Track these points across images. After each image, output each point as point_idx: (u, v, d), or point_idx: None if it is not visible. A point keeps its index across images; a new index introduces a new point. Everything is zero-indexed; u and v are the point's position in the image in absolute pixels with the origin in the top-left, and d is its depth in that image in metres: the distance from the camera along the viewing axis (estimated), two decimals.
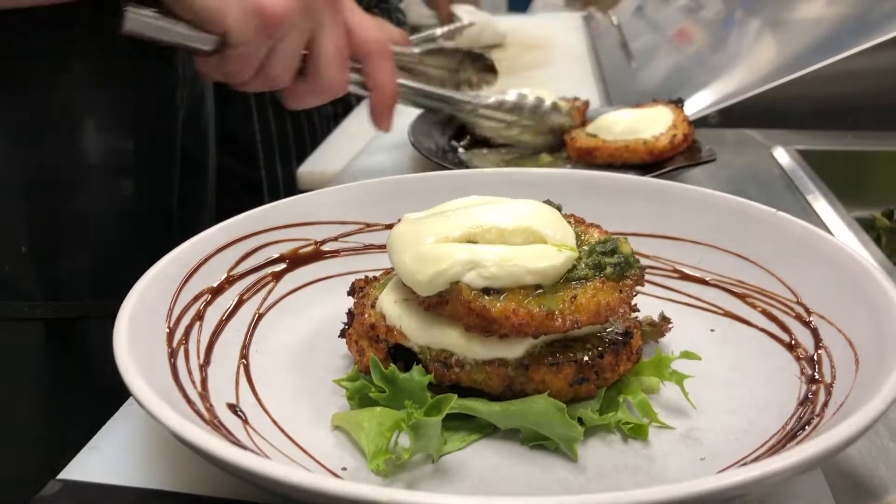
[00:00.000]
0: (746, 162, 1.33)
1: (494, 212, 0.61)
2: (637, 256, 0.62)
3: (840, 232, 1.02)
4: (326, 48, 0.87)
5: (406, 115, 1.25)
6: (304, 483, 0.42)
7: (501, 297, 0.56)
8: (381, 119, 0.99)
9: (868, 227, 1.21)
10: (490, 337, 0.57)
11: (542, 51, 2.67)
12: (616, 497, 0.41)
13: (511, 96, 1.23)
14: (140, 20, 0.78)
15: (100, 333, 0.89)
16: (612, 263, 0.59)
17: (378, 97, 0.97)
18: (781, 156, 1.34)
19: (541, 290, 0.56)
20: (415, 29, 2.56)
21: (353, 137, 1.76)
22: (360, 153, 1.43)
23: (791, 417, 0.56)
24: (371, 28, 0.94)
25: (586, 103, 1.29)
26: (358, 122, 1.95)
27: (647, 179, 0.88)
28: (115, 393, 0.85)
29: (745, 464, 0.52)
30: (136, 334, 0.58)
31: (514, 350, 0.57)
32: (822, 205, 1.12)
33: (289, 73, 0.87)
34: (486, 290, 0.56)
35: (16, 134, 0.83)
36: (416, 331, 0.59)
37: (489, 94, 1.25)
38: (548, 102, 1.22)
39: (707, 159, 1.10)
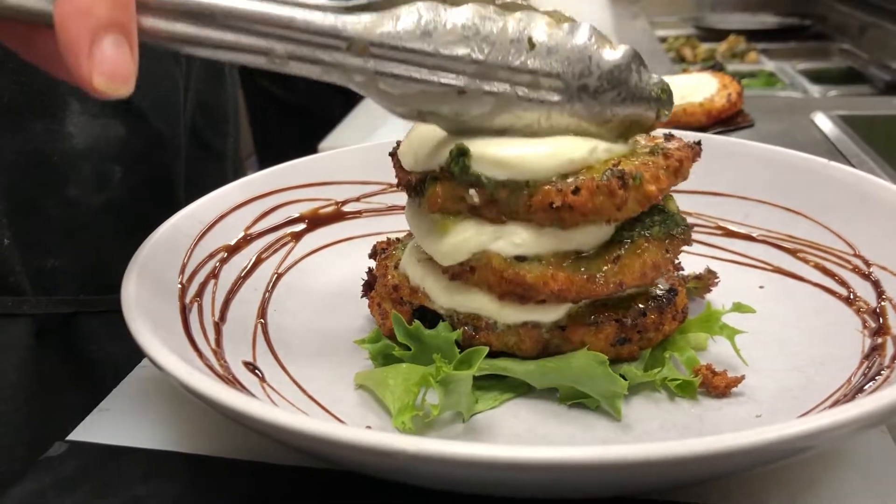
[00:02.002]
0: (786, 128, 1.27)
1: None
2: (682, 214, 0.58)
3: None
4: None
5: None
6: (322, 433, 0.38)
7: (536, 263, 0.51)
8: (78, 50, 0.41)
9: None
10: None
11: None
12: (668, 448, 0.36)
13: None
14: None
15: (93, 331, 0.83)
16: (658, 221, 0.54)
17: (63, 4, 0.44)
18: (822, 121, 1.28)
19: (580, 255, 0.51)
20: None
21: (374, 115, 1.72)
22: (381, 128, 1.39)
23: (856, 371, 0.51)
24: None
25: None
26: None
27: (687, 133, 0.82)
28: (103, 392, 0.81)
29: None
30: (146, 287, 0.55)
31: (550, 314, 0.52)
32: (869, 169, 1.06)
33: None
34: (520, 257, 0.51)
35: None
36: (442, 293, 0.55)
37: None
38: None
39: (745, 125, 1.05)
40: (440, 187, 0.52)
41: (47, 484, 0.49)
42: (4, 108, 0.76)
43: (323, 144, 1.61)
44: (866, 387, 0.48)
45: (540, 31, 0.48)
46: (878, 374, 0.49)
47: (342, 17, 0.45)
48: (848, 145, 1.14)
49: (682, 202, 0.73)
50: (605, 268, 0.51)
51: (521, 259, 0.51)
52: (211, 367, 0.51)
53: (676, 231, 0.54)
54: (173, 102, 0.91)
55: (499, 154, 0.50)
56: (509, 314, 0.53)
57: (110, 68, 0.41)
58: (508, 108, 0.49)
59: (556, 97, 0.49)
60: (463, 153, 0.50)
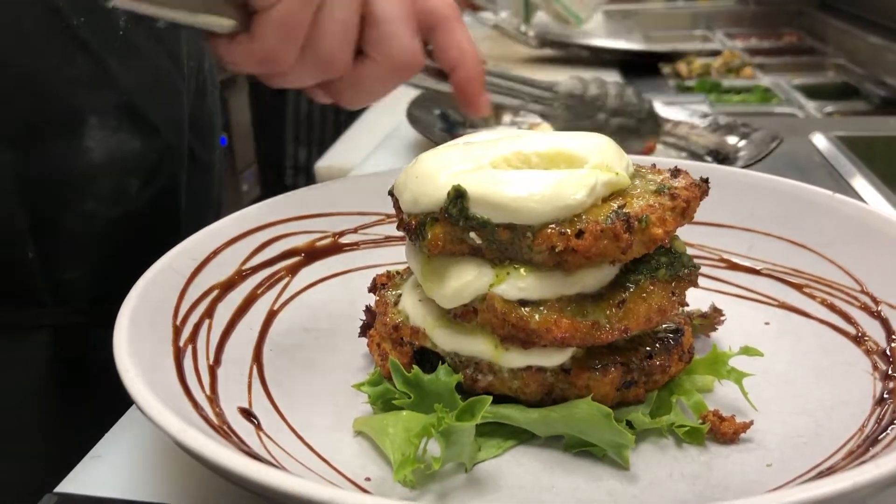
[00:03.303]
0: (784, 150, 1.26)
1: (526, 140, 0.55)
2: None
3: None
4: (389, 9, 0.66)
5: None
6: (326, 499, 0.36)
7: (540, 308, 0.49)
8: (473, 98, 0.74)
9: None
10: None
11: None
12: None
13: (592, 82, 1.05)
14: None
15: (107, 341, 0.86)
16: (665, 263, 0.52)
17: (463, 72, 0.73)
18: (820, 142, 1.27)
19: (584, 297, 0.50)
20: None
21: (372, 132, 1.71)
22: (378, 148, 1.38)
23: (868, 418, 0.50)
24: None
25: None
26: (375, 116, 1.90)
27: (691, 163, 0.81)
28: (116, 403, 0.80)
29: (821, 472, 0.46)
30: (139, 332, 0.53)
31: (554, 358, 0.51)
32: (869, 192, 1.05)
33: (346, 47, 0.65)
34: (523, 301, 0.50)
35: (20, 136, 0.79)
36: (443, 335, 0.54)
37: (564, 81, 1.02)
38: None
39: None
40: (440, 230, 0.50)
41: None
42: (26, 128, 0.78)
43: (319, 164, 1.60)
44: (881, 437, 0.47)
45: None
46: (893, 422, 0.47)
47: None
48: (847, 168, 1.14)
49: (685, 233, 0.72)
50: (610, 312, 0.49)
51: (523, 303, 0.50)
52: (206, 418, 0.49)
53: (683, 273, 0.53)
54: (179, 115, 0.94)
55: (497, 197, 0.49)
56: (512, 358, 0.51)
57: (487, 103, 0.78)
58: None
59: None
60: (461, 195, 0.49)
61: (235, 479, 0.40)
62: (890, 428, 0.47)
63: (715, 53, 2.99)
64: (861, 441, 0.48)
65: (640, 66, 2.07)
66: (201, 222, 1.01)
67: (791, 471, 0.47)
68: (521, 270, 0.50)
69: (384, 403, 0.55)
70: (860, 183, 1.08)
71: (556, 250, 0.47)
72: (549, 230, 0.47)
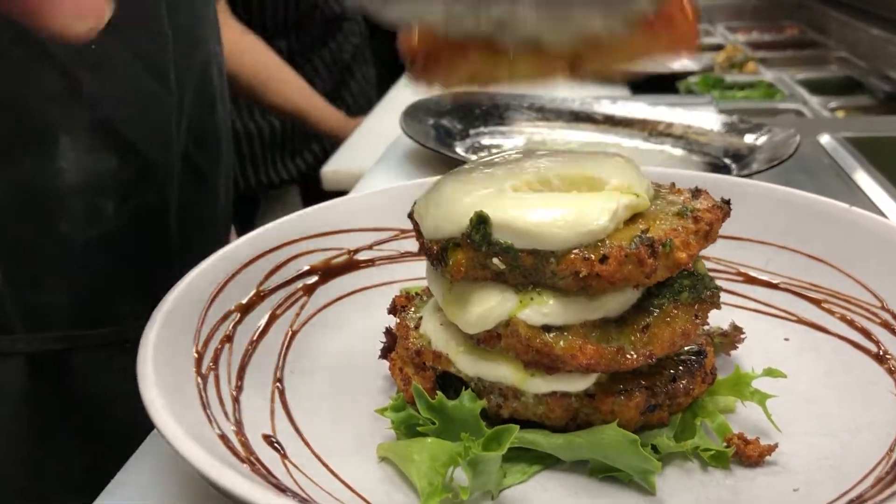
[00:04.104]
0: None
1: (546, 161, 0.54)
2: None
3: None
4: None
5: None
6: None
7: (565, 333, 0.49)
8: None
9: None
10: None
11: None
12: None
13: None
14: None
15: (86, 366, 0.82)
16: (687, 286, 0.52)
17: None
18: (828, 143, 1.27)
19: (608, 321, 0.50)
20: None
21: (377, 136, 1.71)
22: (385, 154, 1.38)
23: (895, 441, 0.50)
24: None
25: None
26: (377, 120, 1.90)
27: (707, 175, 0.81)
28: (103, 429, 0.79)
29: (850, 500, 0.46)
30: (163, 362, 0.53)
31: (578, 383, 0.51)
32: (879, 195, 1.05)
33: None
34: (546, 327, 0.50)
35: None
36: (466, 360, 0.54)
37: None
38: None
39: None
40: (462, 256, 0.50)
41: None
42: None
43: (326, 169, 1.60)
44: None
45: None
46: None
47: None
48: (856, 170, 1.14)
49: None
50: (634, 338, 0.50)
51: (547, 328, 0.50)
52: (233, 450, 0.49)
53: (705, 295, 0.53)
54: (165, 131, 0.90)
55: (519, 223, 0.48)
56: (537, 384, 0.52)
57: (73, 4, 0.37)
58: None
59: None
60: (483, 221, 0.49)
61: None
62: None
63: (717, 48, 2.98)
64: (890, 467, 0.48)
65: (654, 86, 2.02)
66: (203, 239, 0.99)
67: (819, 496, 0.48)
68: (545, 296, 0.50)
69: (408, 429, 0.55)
70: (869, 185, 1.08)
71: (581, 275, 0.47)
72: (573, 255, 0.47)
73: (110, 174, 0.81)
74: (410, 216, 0.57)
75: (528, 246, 0.48)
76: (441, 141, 1.23)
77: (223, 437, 0.50)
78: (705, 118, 1.24)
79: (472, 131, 1.30)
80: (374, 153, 1.46)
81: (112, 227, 0.81)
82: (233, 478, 0.41)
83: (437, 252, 0.52)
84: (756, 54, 2.76)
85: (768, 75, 2.53)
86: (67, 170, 0.79)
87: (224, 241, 0.99)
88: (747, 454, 0.52)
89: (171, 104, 0.90)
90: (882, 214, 1.00)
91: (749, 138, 1.14)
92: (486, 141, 1.28)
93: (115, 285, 0.81)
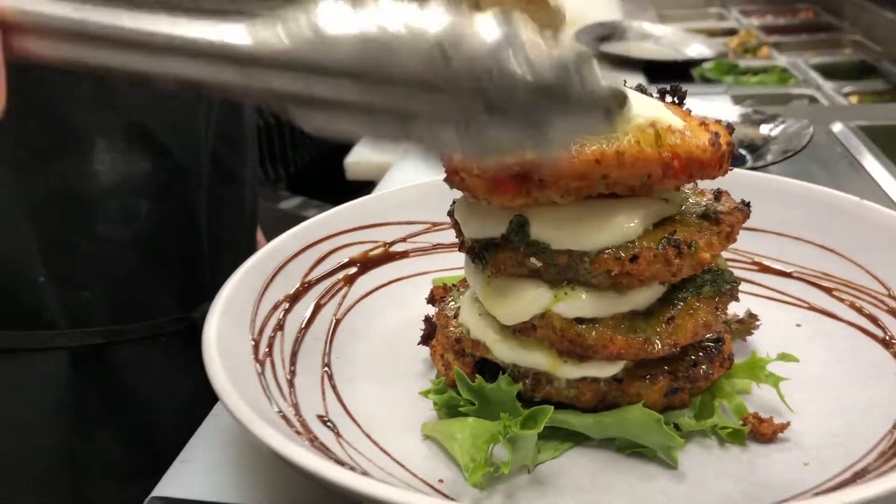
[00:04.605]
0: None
1: None
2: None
3: None
4: None
5: None
6: None
7: (596, 325, 0.54)
8: None
9: None
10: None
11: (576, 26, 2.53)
12: None
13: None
14: None
15: (125, 359, 0.86)
16: (709, 280, 0.57)
17: None
18: (841, 132, 1.30)
19: (635, 314, 0.55)
20: None
21: None
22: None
23: None
24: None
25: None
26: None
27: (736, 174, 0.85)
28: (141, 419, 0.83)
29: (856, 472, 0.50)
30: (225, 350, 0.58)
31: (608, 369, 0.56)
32: (889, 182, 1.08)
33: None
34: (579, 319, 0.54)
35: (24, 159, 0.79)
36: (503, 348, 0.58)
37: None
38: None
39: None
40: (502, 255, 0.55)
41: None
42: (33, 150, 0.78)
43: (349, 160, 1.64)
44: None
45: (459, 38, 0.37)
46: None
47: (230, 28, 0.38)
48: (868, 159, 1.17)
49: None
50: (660, 329, 0.54)
51: (580, 321, 0.54)
52: (296, 430, 0.54)
53: (725, 288, 0.58)
54: (195, 134, 0.94)
55: (556, 226, 0.53)
56: (569, 370, 0.56)
57: None
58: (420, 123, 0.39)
59: (464, 115, 0.38)
60: (522, 224, 0.54)
61: (340, 490, 0.45)
62: None
63: (730, 32, 2.99)
64: (892, 442, 0.52)
65: (668, 72, 2.04)
66: (232, 236, 1.03)
67: (828, 470, 0.52)
68: (578, 291, 0.54)
69: (449, 410, 0.60)
70: (881, 174, 1.11)
71: (612, 273, 0.52)
72: (606, 255, 0.52)
73: (144, 176, 0.84)
74: (450, 214, 0.62)
75: (564, 247, 0.53)
76: None
77: (285, 418, 0.56)
78: (721, 108, 1.28)
79: None
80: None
81: (146, 227, 0.85)
82: (306, 455, 0.47)
83: (479, 251, 0.57)
84: (770, 38, 2.77)
85: (782, 60, 2.54)
86: (103, 172, 0.82)
87: (252, 239, 1.03)
88: (762, 432, 0.56)
89: (199, 107, 0.93)
90: (892, 203, 1.04)
91: (764, 129, 1.18)
92: None
93: (149, 283, 0.83)
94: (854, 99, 2.12)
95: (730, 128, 0.55)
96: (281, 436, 0.48)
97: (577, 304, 0.54)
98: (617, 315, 0.54)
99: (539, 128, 0.39)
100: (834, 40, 2.80)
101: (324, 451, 0.54)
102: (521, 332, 0.56)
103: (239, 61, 0.37)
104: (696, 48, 2.21)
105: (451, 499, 0.52)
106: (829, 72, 2.38)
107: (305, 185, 2.29)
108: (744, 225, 0.77)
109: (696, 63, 2.13)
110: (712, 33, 2.96)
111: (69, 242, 0.80)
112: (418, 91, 0.38)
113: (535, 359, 0.57)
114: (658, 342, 0.54)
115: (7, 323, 0.76)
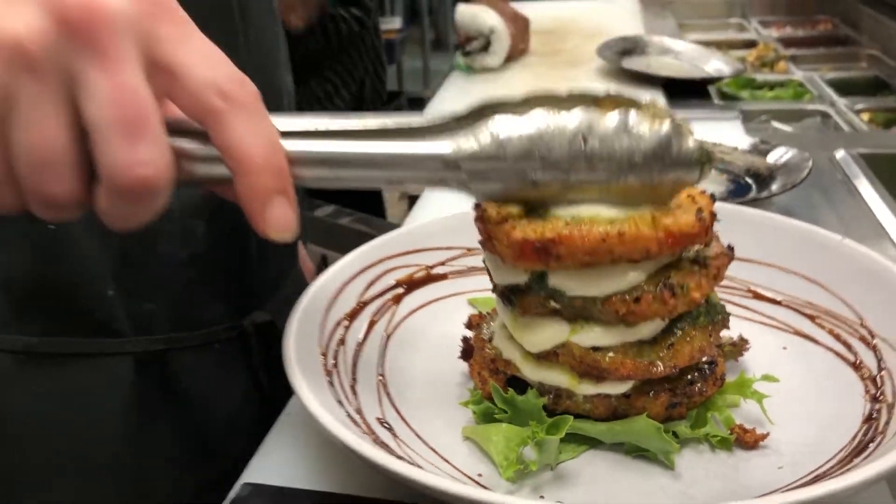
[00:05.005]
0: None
1: None
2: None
3: None
4: (94, 113, 0.47)
5: None
6: (471, 496, 0.54)
7: (608, 352, 0.66)
8: (256, 215, 0.54)
9: None
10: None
11: (600, 39, 2.61)
12: None
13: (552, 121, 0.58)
14: None
15: (184, 364, 0.94)
16: (703, 312, 0.68)
17: (241, 179, 0.53)
18: (843, 158, 1.41)
19: (642, 342, 0.66)
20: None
21: None
22: None
23: (857, 433, 0.66)
24: (213, 65, 0.51)
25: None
26: None
27: (720, 205, 0.96)
28: (198, 418, 0.93)
29: (818, 475, 0.62)
30: (303, 363, 0.71)
31: (619, 388, 0.68)
32: (884, 213, 1.19)
33: (57, 174, 0.49)
34: (594, 348, 0.66)
35: None
36: (530, 368, 0.70)
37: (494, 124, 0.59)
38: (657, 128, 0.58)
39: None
40: (526, 299, 0.67)
41: None
42: None
43: None
44: (866, 449, 0.63)
45: (593, 129, 0.56)
46: (874, 438, 0.64)
47: (438, 143, 0.56)
48: (866, 187, 1.27)
49: None
50: (662, 354, 0.66)
51: (595, 349, 0.66)
52: (361, 429, 0.67)
53: (717, 318, 0.70)
54: None
55: (572, 277, 0.64)
56: (586, 388, 0.68)
57: (276, 223, 0.54)
58: (577, 188, 0.59)
59: (604, 176, 0.58)
60: (542, 276, 0.65)
61: (401, 480, 0.58)
62: (872, 443, 0.63)
63: (750, 44, 3.06)
64: (851, 451, 0.64)
65: (686, 88, 2.13)
66: (277, 253, 1.08)
67: (798, 472, 0.64)
68: (592, 325, 0.66)
69: (486, 417, 0.72)
70: (876, 203, 1.21)
71: (620, 313, 0.64)
72: (614, 299, 0.64)
73: (201, 200, 0.90)
74: (485, 262, 0.73)
75: (578, 294, 0.64)
76: None
77: (353, 420, 0.68)
78: (732, 136, 1.38)
79: None
80: None
81: (201, 245, 0.91)
82: (373, 451, 0.59)
83: (507, 294, 0.69)
84: (787, 52, 2.84)
85: (798, 74, 2.62)
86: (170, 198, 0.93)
87: (294, 250, 1.12)
88: (746, 440, 0.68)
89: None
90: (882, 229, 1.14)
91: (771, 158, 1.29)
92: None
93: (203, 295, 0.90)
94: (866, 116, 2.20)
95: (712, 197, 0.66)
96: (354, 436, 0.61)
97: (592, 336, 0.66)
98: (626, 344, 0.66)
99: (654, 180, 0.58)
100: (851, 54, 2.86)
101: (385, 447, 0.66)
102: (546, 358, 0.68)
103: (446, 163, 0.57)
104: (715, 65, 2.30)
105: (489, 489, 0.64)
106: (843, 87, 2.45)
107: (337, 192, 2.43)
108: (742, 257, 0.89)
109: (713, 80, 2.23)
110: (731, 45, 3.03)
111: (135, 260, 0.87)
112: (568, 165, 0.57)
113: (557, 378, 0.69)
114: (661, 365, 0.66)
115: (82, 331, 0.86)
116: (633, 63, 2.30)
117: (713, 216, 0.64)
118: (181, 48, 0.49)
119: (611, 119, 0.56)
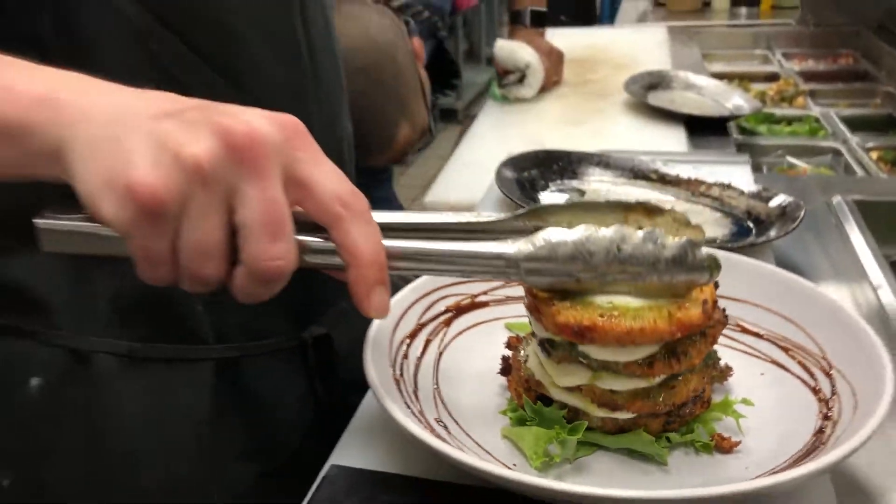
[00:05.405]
0: (807, 209, 1.57)
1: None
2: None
3: (884, 291, 1.28)
4: (247, 217, 0.61)
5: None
6: (510, 477, 0.74)
7: (623, 393, 0.85)
8: (363, 299, 0.69)
9: None
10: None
11: (629, 70, 2.79)
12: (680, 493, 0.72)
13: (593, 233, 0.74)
14: (57, 229, 0.64)
15: (256, 369, 1.09)
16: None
17: (352, 273, 0.68)
18: (838, 204, 1.58)
19: (650, 387, 0.86)
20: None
21: (470, 166, 2.03)
22: (484, 199, 1.73)
23: (808, 443, 0.85)
24: (336, 181, 0.65)
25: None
26: (469, 150, 2.25)
27: (725, 254, 1.16)
28: (267, 417, 1.09)
29: (773, 472, 0.81)
30: (379, 373, 0.92)
31: (626, 414, 0.88)
32: (867, 258, 1.37)
33: (212, 262, 0.63)
34: (611, 390, 0.86)
35: None
36: (556, 392, 0.90)
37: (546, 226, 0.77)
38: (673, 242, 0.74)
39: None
40: (559, 353, 0.86)
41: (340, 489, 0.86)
42: None
43: (427, 199, 1.97)
44: (811, 455, 0.82)
45: (625, 239, 0.74)
46: (817, 448, 0.83)
47: (502, 245, 0.73)
48: (855, 233, 1.45)
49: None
50: (665, 394, 0.85)
51: (612, 391, 0.86)
52: (425, 428, 0.87)
53: (710, 363, 0.89)
54: None
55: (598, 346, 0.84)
56: (601, 412, 0.88)
57: (377, 307, 0.69)
58: (611, 284, 0.77)
59: (633, 277, 0.76)
60: (573, 343, 0.85)
61: (457, 464, 0.78)
62: (816, 451, 0.83)
63: (772, 77, 3.21)
64: (800, 456, 0.83)
65: (707, 125, 2.29)
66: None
67: (759, 470, 0.83)
68: (611, 374, 0.86)
69: (520, 422, 0.92)
70: (862, 248, 1.39)
71: (636, 374, 0.84)
72: (631, 363, 0.83)
73: None
74: (529, 318, 0.93)
75: (602, 358, 0.83)
76: (525, 193, 1.59)
77: (417, 419, 0.89)
78: (739, 180, 1.57)
79: (550, 184, 1.65)
80: (471, 186, 1.78)
81: None
82: (437, 443, 0.80)
83: (545, 344, 0.88)
84: (807, 86, 2.97)
85: (815, 110, 2.77)
86: None
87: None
88: (723, 446, 0.88)
89: None
90: (865, 274, 1.32)
91: (773, 203, 1.47)
92: (559, 192, 1.64)
93: (271, 310, 0.94)
94: (875, 154, 2.35)
95: (716, 285, 0.85)
96: (421, 429, 0.81)
97: (610, 382, 0.85)
98: (637, 389, 0.86)
99: (673, 281, 0.76)
100: (868, 90, 2.99)
101: (442, 440, 0.87)
102: (571, 390, 0.88)
103: (508, 262, 0.74)
104: (735, 102, 2.46)
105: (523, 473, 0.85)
106: (857, 124, 2.60)
107: None
108: (734, 297, 1.08)
109: (733, 118, 2.40)
110: (753, 78, 3.18)
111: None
112: (605, 268, 0.75)
113: (578, 402, 0.89)
114: (662, 402, 0.85)
115: (175, 338, 0.99)
116: (658, 98, 2.48)
117: (716, 303, 0.84)
118: (314, 168, 0.63)
119: (640, 232, 0.73)
